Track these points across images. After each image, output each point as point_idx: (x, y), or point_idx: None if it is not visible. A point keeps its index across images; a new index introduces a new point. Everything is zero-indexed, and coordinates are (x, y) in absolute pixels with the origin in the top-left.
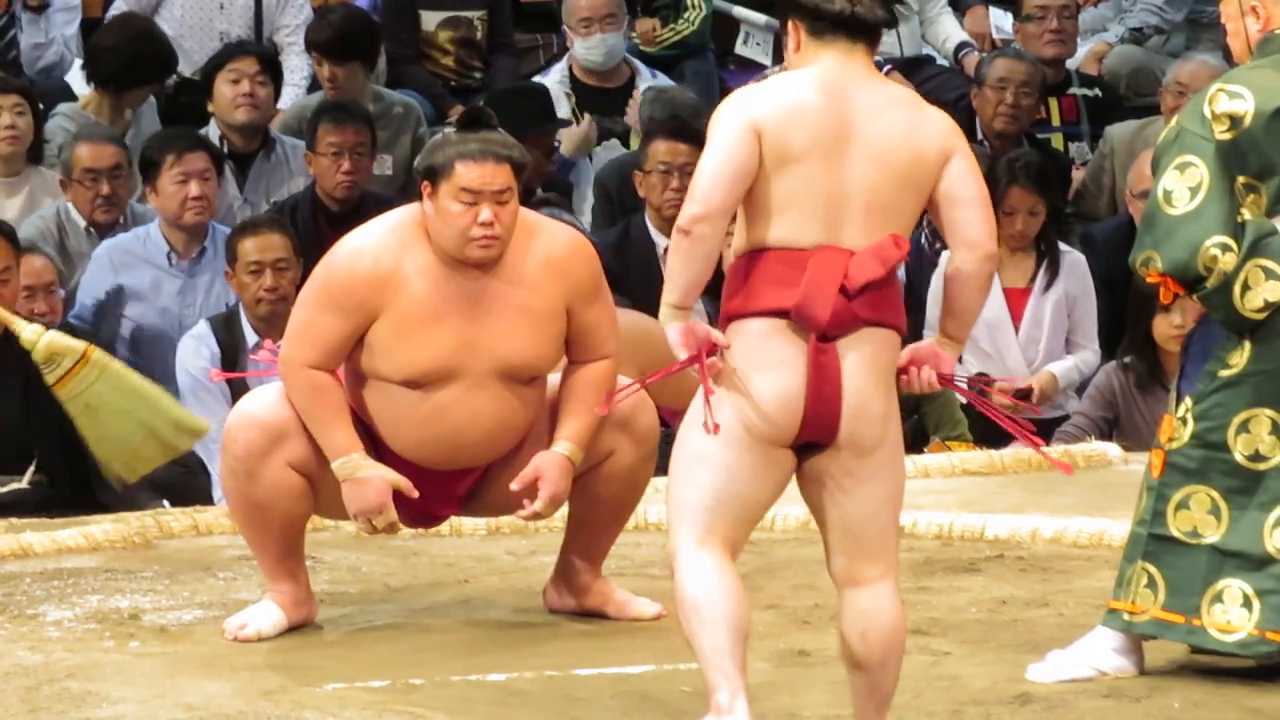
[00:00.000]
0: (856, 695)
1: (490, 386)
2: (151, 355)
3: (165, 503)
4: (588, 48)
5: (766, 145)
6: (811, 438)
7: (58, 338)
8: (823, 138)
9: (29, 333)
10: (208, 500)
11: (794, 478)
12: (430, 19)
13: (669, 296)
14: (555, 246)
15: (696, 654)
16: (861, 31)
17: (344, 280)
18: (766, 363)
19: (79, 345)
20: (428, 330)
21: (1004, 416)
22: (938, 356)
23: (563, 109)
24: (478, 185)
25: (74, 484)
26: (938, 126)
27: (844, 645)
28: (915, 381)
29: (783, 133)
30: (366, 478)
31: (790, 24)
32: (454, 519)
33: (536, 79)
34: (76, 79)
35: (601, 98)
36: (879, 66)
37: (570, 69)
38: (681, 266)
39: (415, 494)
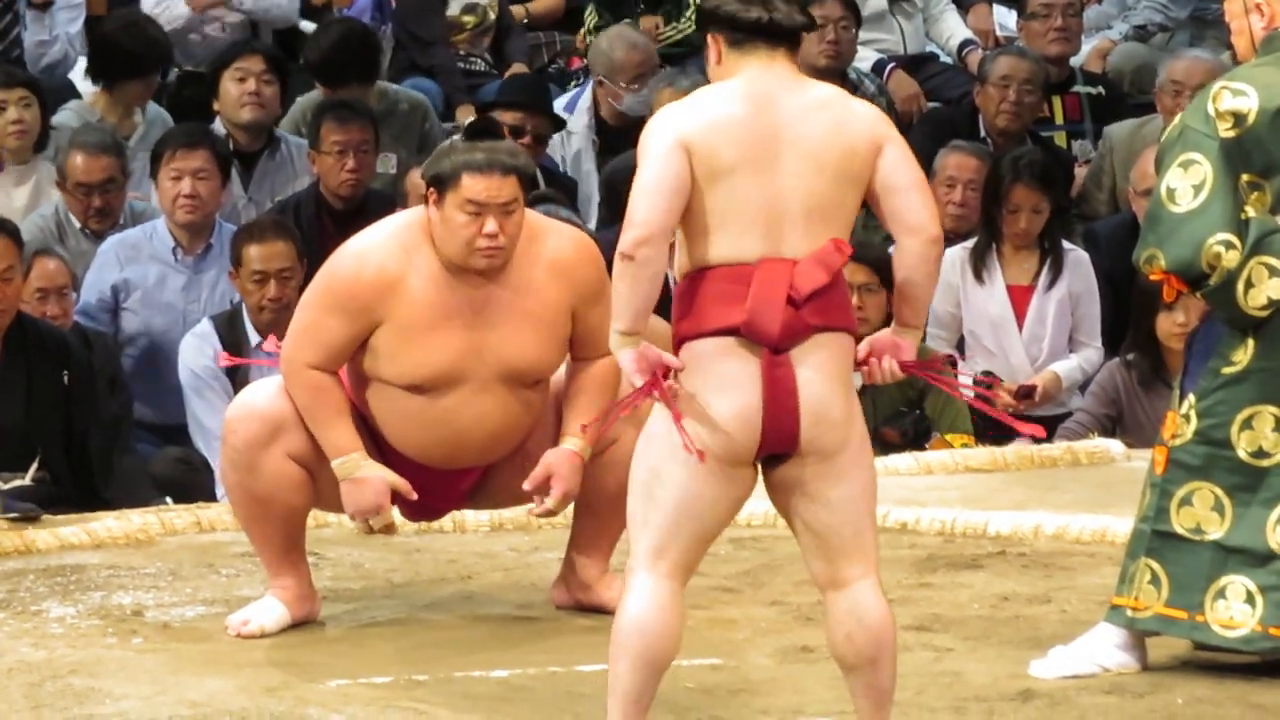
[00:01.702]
0: (855, 695)
1: (494, 390)
2: (155, 350)
3: (168, 499)
4: (639, 100)
5: (697, 161)
6: (773, 450)
7: None
8: (752, 149)
9: None
10: (210, 497)
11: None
12: (455, 3)
13: (619, 323)
14: (560, 250)
15: (611, 680)
16: (781, 37)
17: (349, 285)
18: (721, 382)
19: None
20: (432, 336)
21: (972, 399)
22: (897, 345)
23: (586, 161)
24: (484, 198)
25: (76, 481)
26: (865, 120)
27: (833, 648)
28: (877, 372)
29: (712, 147)
30: (365, 478)
31: (709, 37)
32: (457, 514)
33: (558, 107)
34: (80, 76)
35: (623, 139)
36: (883, 63)
37: (596, 111)
38: (629, 292)
39: (414, 496)
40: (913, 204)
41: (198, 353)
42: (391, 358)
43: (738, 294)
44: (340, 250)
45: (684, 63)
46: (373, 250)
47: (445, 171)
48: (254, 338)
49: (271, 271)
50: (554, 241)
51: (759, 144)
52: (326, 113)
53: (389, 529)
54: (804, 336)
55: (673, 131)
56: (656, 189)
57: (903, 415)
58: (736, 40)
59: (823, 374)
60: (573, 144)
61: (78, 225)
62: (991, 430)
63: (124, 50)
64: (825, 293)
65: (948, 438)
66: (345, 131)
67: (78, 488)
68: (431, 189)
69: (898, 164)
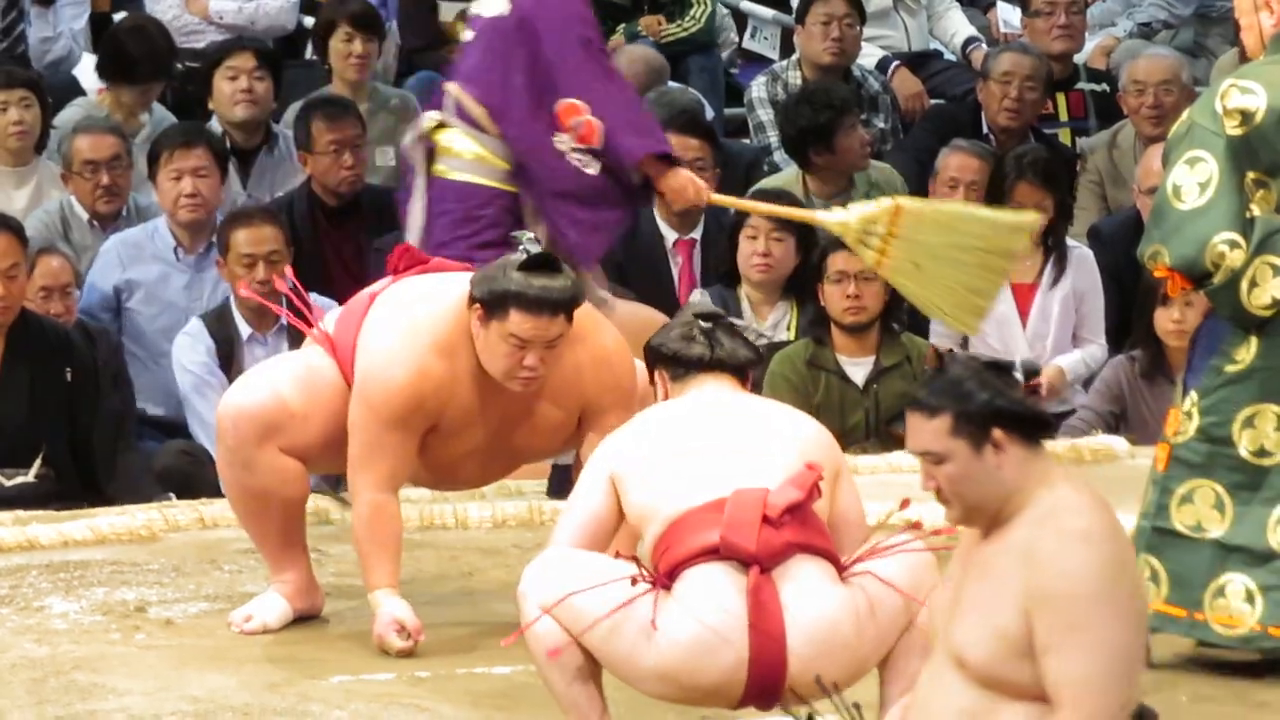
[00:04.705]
0: (884, 684)
1: (502, 455)
2: (157, 349)
3: (171, 495)
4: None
5: (624, 479)
6: (760, 693)
7: (865, 209)
8: (696, 425)
9: (837, 218)
10: (214, 489)
11: None
12: (449, 10)
13: None
14: (593, 354)
15: (555, 697)
16: (725, 370)
17: (409, 397)
18: (703, 608)
19: (887, 204)
20: (465, 433)
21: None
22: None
23: None
24: (529, 336)
25: (80, 477)
26: (821, 429)
27: None
28: None
29: (637, 452)
30: (377, 615)
31: (656, 374)
32: (459, 511)
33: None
34: (84, 73)
35: None
36: (887, 61)
37: None
38: None
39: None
40: (858, 541)
41: (191, 351)
42: (425, 449)
43: (714, 520)
44: (379, 365)
45: (686, 60)
46: (420, 359)
47: (495, 299)
48: (245, 330)
49: (260, 254)
50: (594, 343)
51: (704, 420)
52: (315, 112)
53: (404, 652)
54: (784, 554)
55: (604, 461)
56: (571, 520)
57: None
58: (679, 375)
59: (815, 597)
60: None
61: (84, 217)
62: None
63: (128, 54)
64: (801, 511)
65: None
66: (339, 130)
67: (81, 484)
68: (479, 305)
69: (854, 500)
